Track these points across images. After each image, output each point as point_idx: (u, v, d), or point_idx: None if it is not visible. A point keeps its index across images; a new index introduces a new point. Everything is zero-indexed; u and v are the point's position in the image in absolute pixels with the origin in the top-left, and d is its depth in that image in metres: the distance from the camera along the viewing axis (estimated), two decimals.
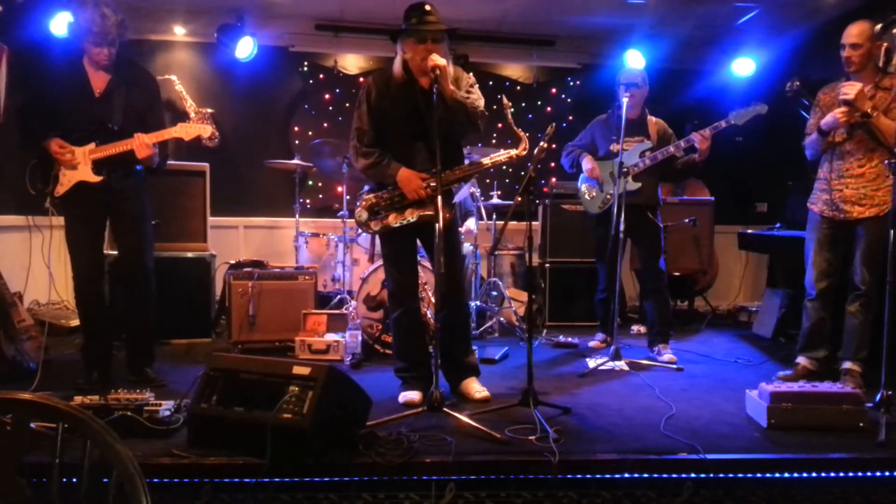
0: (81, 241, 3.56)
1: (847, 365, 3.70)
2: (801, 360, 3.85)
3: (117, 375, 3.66)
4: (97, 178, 3.48)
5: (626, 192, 4.23)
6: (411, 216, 3.33)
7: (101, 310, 3.70)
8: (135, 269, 3.63)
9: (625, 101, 4.26)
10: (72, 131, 3.49)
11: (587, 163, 4.58)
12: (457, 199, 3.63)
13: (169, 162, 4.95)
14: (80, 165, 3.47)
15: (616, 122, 4.27)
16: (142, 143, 3.43)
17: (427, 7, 3.24)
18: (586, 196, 4.68)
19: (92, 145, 3.48)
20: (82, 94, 3.49)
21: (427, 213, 3.26)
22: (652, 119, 4.57)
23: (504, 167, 6.54)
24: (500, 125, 6.48)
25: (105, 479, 1.39)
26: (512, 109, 3.31)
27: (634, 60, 5.95)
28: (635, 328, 5.50)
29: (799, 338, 3.91)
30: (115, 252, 3.81)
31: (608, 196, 4.46)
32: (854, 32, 3.57)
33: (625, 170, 4.20)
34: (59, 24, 5.09)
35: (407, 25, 3.24)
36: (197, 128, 3.65)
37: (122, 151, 3.47)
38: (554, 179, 6.46)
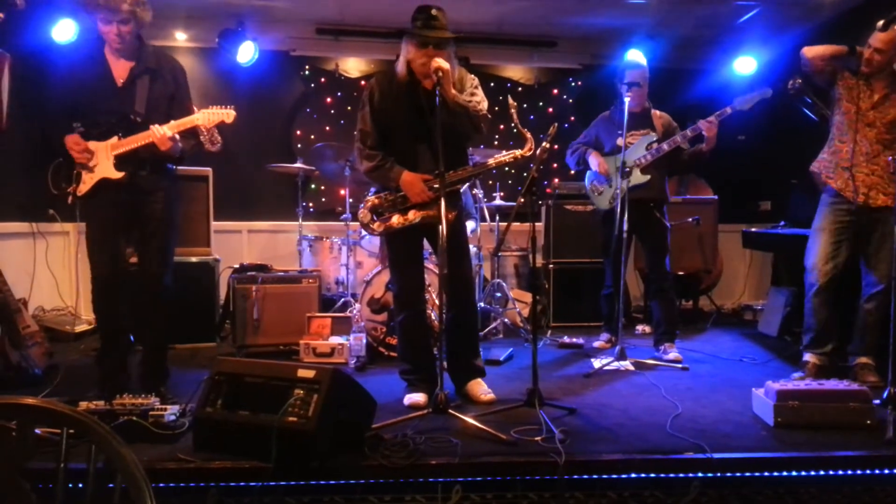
0: (102, 242, 3.33)
1: (863, 359, 3.71)
2: (811, 358, 3.82)
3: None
4: (119, 175, 3.25)
5: (634, 185, 4.24)
6: (414, 217, 3.33)
7: (120, 318, 3.45)
8: (151, 283, 3.39)
9: (627, 100, 4.27)
10: (94, 125, 3.28)
11: (594, 158, 4.58)
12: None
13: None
14: (101, 161, 3.25)
15: (619, 118, 4.27)
16: (162, 136, 3.20)
17: (433, 12, 3.22)
18: (595, 192, 4.68)
19: (115, 139, 3.26)
20: (104, 85, 3.28)
21: (430, 213, 3.26)
22: (656, 113, 4.58)
23: (507, 168, 6.56)
24: (502, 126, 6.50)
25: (110, 485, 1.39)
26: (515, 109, 3.30)
27: (636, 57, 5.94)
28: (640, 328, 5.49)
29: (805, 335, 3.89)
30: (134, 259, 3.55)
31: (618, 191, 4.45)
32: (883, 38, 3.58)
33: (627, 169, 4.20)
34: (62, 32, 5.11)
35: (412, 27, 3.23)
36: (220, 113, 3.36)
37: (145, 145, 3.24)
38: (557, 180, 6.46)
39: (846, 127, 3.74)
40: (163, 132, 3.22)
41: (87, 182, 3.29)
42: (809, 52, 3.73)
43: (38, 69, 4.64)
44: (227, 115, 3.38)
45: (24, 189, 4.99)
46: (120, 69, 3.31)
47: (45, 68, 4.00)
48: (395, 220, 3.37)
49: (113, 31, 3.21)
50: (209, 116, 3.34)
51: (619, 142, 4.28)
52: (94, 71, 3.30)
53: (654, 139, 4.42)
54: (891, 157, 3.30)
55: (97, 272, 3.36)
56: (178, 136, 3.28)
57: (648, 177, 4.38)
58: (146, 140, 3.25)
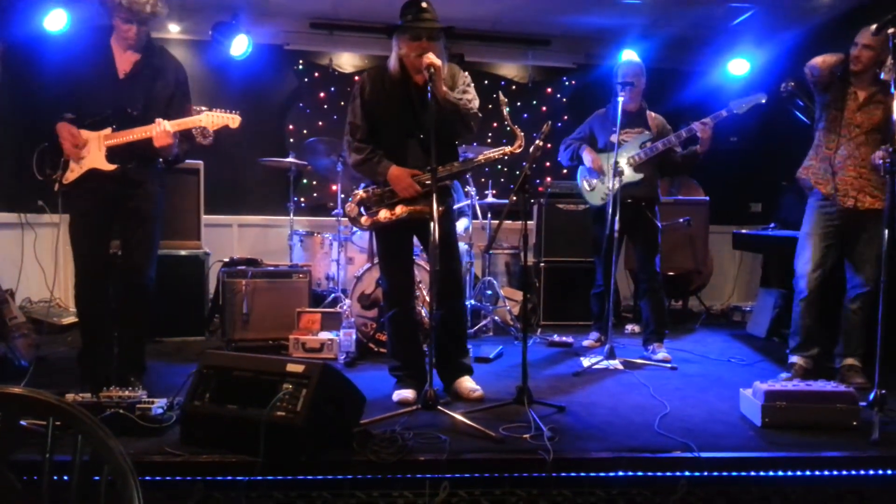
0: (87, 235, 3.27)
1: (849, 361, 3.75)
2: (798, 360, 3.86)
3: None
4: (111, 167, 3.20)
5: (627, 183, 4.25)
6: (402, 212, 3.31)
7: (103, 314, 3.38)
8: (134, 275, 3.34)
9: (620, 99, 4.28)
10: (88, 114, 3.22)
11: (588, 154, 4.56)
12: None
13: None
14: (92, 151, 3.19)
15: (615, 115, 4.27)
16: (163, 131, 3.14)
17: (423, 4, 3.21)
18: (587, 188, 4.67)
19: (108, 130, 3.21)
20: (105, 75, 3.22)
21: (417, 209, 3.26)
22: (651, 114, 4.59)
23: (499, 166, 6.60)
24: (495, 124, 6.49)
25: (96, 478, 1.37)
26: (507, 108, 3.30)
27: (630, 58, 5.94)
28: (629, 327, 5.50)
29: (792, 337, 3.92)
30: (117, 251, 3.49)
31: (609, 188, 4.45)
32: (869, 35, 3.61)
33: (620, 169, 4.21)
34: (53, 21, 5.05)
35: (403, 22, 3.22)
36: (224, 117, 3.32)
37: (140, 139, 3.18)
38: (549, 179, 6.46)
39: (834, 133, 3.77)
40: (164, 126, 3.16)
41: (74, 171, 3.23)
42: (823, 63, 3.73)
43: (28, 59, 4.60)
44: (233, 119, 3.35)
45: (13, 179, 4.95)
46: (124, 62, 3.26)
47: (36, 58, 3.95)
48: (383, 214, 3.35)
49: (132, 31, 3.18)
50: (213, 119, 3.30)
51: (613, 138, 4.29)
52: (97, 60, 3.24)
53: (649, 138, 4.43)
54: (880, 161, 3.31)
55: (82, 269, 3.30)
56: (178, 135, 3.23)
57: (641, 175, 4.39)
58: (144, 134, 3.19)
